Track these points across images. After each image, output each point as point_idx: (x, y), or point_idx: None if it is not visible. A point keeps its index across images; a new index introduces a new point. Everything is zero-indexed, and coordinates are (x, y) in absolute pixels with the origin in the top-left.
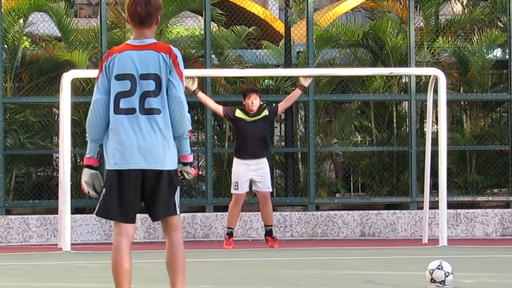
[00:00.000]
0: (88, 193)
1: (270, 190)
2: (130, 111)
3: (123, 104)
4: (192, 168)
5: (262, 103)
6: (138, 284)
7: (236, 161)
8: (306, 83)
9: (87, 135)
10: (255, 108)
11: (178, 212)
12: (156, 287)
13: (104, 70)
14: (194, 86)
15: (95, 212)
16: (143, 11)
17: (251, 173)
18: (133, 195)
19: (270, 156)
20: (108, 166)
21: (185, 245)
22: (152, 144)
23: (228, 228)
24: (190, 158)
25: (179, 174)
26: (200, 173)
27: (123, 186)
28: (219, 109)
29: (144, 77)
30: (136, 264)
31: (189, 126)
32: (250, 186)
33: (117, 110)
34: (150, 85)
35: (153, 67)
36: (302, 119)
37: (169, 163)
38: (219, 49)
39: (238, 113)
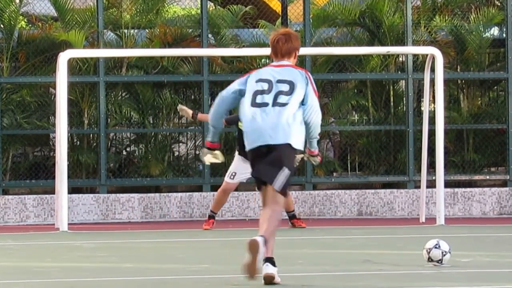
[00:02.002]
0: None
1: None
2: (263, 105)
3: (258, 99)
4: (318, 156)
5: None
6: (135, 263)
7: (238, 158)
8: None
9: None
10: None
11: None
12: (154, 266)
13: (246, 78)
14: (189, 112)
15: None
16: (284, 47)
17: None
18: None
19: None
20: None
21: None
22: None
23: (211, 211)
24: (316, 152)
25: (307, 160)
26: (197, 152)
27: None
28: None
29: (280, 81)
30: (134, 244)
31: (319, 131)
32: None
33: (253, 104)
34: (285, 87)
35: (289, 76)
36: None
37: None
38: (216, 28)
39: None
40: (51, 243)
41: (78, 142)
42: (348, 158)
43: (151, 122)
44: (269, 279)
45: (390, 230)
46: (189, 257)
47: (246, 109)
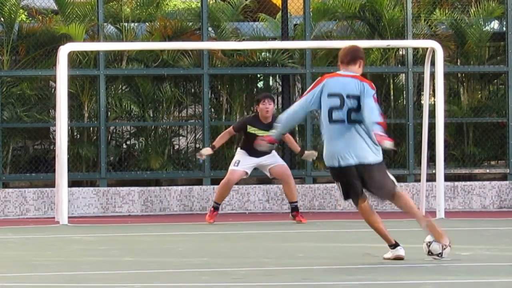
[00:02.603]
0: None
1: (285, 164)
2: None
3: (334, 116)
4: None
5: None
6: (136, 256)
7: (240, 151)
8: (308, 158)
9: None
10: (269, 113)
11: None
12: (154, 259)
13: (318, 93)
14: (209, 151)
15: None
16: (348, 56)
17: (257, 159)
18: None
19: None
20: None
21: (183, 218)
22: (354, 144)
23: (215, 202)
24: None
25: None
26: (197, 146)
27: None
28: (230, 133)
29: (349, 96)
30: (134, 237)
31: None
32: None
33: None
34: (353, 103)
35: (356, 90)
36: (300, 91)
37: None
38: (216, 21)
39: (250, 129)
40: (51, 237)
41: (78, 136)
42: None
43: (151, 115)
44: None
45: (390, 223)
46: (189, 250)
47: (324, 126)
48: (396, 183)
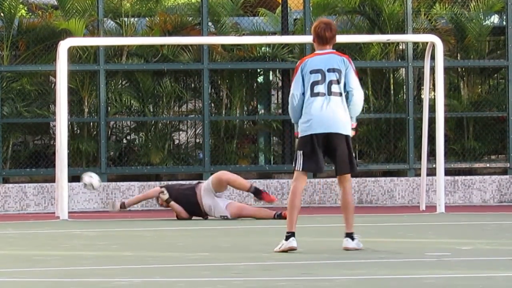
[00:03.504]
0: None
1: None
2: (321, 95)
3: (316, 89)
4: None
5: None
6: (136, 251)
7: None
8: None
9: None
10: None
11: (353, 170)
12: (154, 254)
13: (300, 71)
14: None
15: (300, 168)
16: (328, 35)
17: None
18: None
19: (267, 123)
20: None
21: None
22: (333, 115)
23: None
24: (354, 126)
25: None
26: (197, 141)
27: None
28: None
29: (330, 70)
30: (134, 232)
31: (360, 110)
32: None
33: (312, 94)
34: (334, 76)
35: (336, 64)
36: None
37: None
38: (216, 16)
39: None
40: (51, 232)
41: (78, 131)
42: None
43: (151, 110)
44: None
45: (390, 218)
46: (189, 245)
47: (305, 100)
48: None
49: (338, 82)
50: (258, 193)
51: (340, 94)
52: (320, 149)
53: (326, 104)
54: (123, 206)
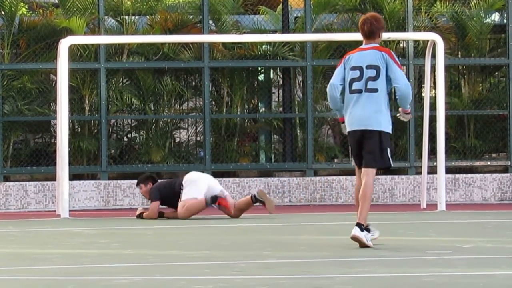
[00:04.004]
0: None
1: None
2: (357, 92)
3: (353, 86)
4: (410, 114)
5: None
6: (136, 249)
7: None
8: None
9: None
10: (147, 196)
11: (391, 165)
12: (155, 252)
13: (343, 64)
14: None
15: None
16: (369, 29)
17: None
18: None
19: (268, 121)
20: None
21: None
22: (364, 112)
23: None
24: (409, 111)
25: (399, 117)
26: (198, 139)
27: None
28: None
29: (368, 67)
30: (135, 230)
31: (410, 100)
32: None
33: (350, 91)
34: (372, 72)
35: (375, 61)
36: (300, 84)
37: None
38: (217, 14)
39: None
40: (52, 230)
41: (79, 129)
42: (349, 144)
43: (152, 108)
44: (354, 240)
45: (391, 216)
46: (190, 243)
47: (345, 96)
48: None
49: (375, 78)
50: (214, 200)
51: (377, 90)
52: (356, 144)
53: (360, 101)
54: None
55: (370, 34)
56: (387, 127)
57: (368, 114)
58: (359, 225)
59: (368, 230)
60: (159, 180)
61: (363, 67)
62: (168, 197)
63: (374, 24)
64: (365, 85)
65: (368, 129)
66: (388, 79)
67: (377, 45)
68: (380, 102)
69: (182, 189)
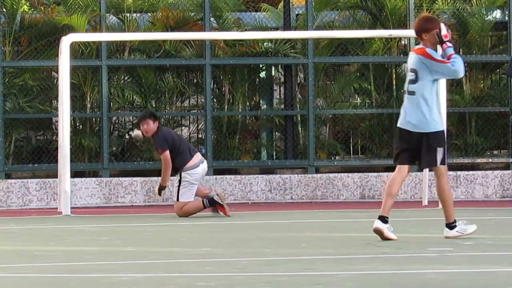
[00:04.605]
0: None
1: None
2: (404, 93)
3: (404, 87)
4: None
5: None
6: (138, 247)
7: None
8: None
9: None
10: (149, 134)
11: (437, 164)
12: (156, 250)
13: None
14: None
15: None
16: (414, 29)
17: None
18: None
19: (270, 118)
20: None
21: None
22: (404, 114)
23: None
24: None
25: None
26: (200, 136)
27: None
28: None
29: (410, 70)
30: (137, 228)
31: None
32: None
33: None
34: (411, 75)
35: (414, 64)
36: (301, 81)
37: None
38: (218, 11)
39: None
40: (54, 227)
41: (81, 126)
42: (351, 141)
43: (154, 105)
44: (376, 232)
45: (392, 213)
46: (192, 241)
47: None
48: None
49: (414, 81)
50: (212, 204)
51: (414, 93)
52: (403, 141)
53: (404, 102)
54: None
55: (416, 33)
56: (429, 128)
57: (406, 116)
58: (382, 218)
59: (452, 228)
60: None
61: (409, 69)
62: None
63: (420, 24)
64: (408, 87)
65: (409, 130)
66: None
67: (421, 46)
68: (421, 104)
69: (181, 179)
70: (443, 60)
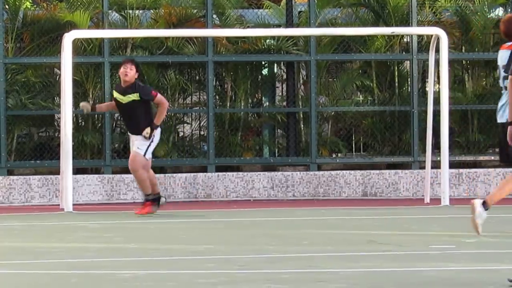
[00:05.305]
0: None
1: (138, 153)
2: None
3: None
4: None
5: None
6: (140, 243)
7: None
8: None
9: None
10: (128, 78)
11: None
12: (158, 247)
13: None
14: (88, 107)
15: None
16: (500, 28)
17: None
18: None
19: (272, 116)
20: None
21: (187, 205)
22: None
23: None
24: None
25: None
26: (202, 133)
27: None
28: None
29: (500, 67)
30: (138, 224)
31: None
32: None
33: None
34: (501, 72)
35: (500, 61)
36: (304, 79)
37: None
38: (221, 8)
39: (114, 94)
40: (56, 224)
41: (83, 123)
42: (353, 138)
43: None
44: (472, 206)
45: (394, 210)
46: (193, 238)
47: None
48: None
49: (505, 78)
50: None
51: (506, 89)
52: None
53: (502, 98)
54: (94, 109)
55: (505, 35)
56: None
57: (501, 108)
58: (484, 202)
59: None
60: None
61: (500, 66)
62: None
63: (502, 23)
64: (503, 83)
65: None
66: None
67: (509, 44)
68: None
69: (155, 136)
70: None
